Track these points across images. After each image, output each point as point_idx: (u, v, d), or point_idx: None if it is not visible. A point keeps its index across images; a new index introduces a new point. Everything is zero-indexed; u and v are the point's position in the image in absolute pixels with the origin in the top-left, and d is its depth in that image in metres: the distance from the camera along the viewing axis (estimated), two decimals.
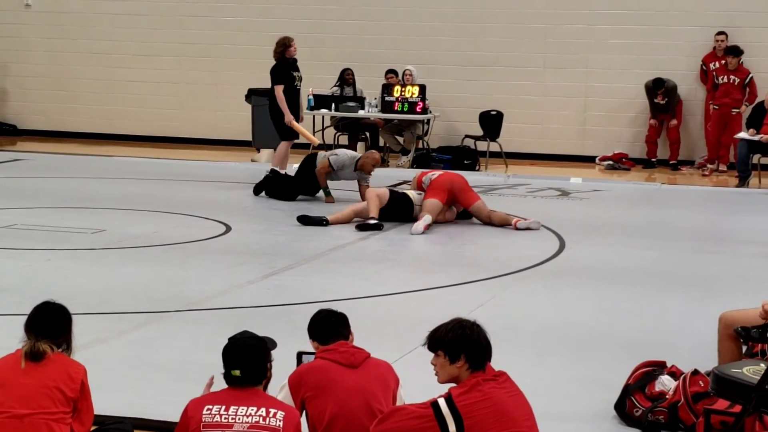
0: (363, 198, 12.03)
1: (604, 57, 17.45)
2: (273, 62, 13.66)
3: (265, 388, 4.34)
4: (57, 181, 14.85)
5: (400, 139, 17.32)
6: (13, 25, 19.74)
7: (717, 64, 16.67)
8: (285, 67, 13.55)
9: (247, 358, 4.33)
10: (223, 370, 4.37)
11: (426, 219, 11.29)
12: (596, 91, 17.61)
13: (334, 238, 10.78)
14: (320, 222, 11.32)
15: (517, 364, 4.83)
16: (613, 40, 17.41)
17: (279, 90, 13.48)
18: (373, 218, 11.23)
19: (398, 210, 11.61)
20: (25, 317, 4.64)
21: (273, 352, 4.48)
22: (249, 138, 17.19)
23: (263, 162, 16.37)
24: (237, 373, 4.27)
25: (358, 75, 17.38)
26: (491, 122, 17.31)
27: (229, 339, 4.43)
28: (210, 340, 6.93)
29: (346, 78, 17.22)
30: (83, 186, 14.14)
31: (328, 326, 4.79)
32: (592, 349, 7.13)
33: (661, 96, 16.84)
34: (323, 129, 17.60)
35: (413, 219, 11.48)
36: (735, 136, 15.74)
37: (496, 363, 4.34)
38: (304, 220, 11.42)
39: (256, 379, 4.31)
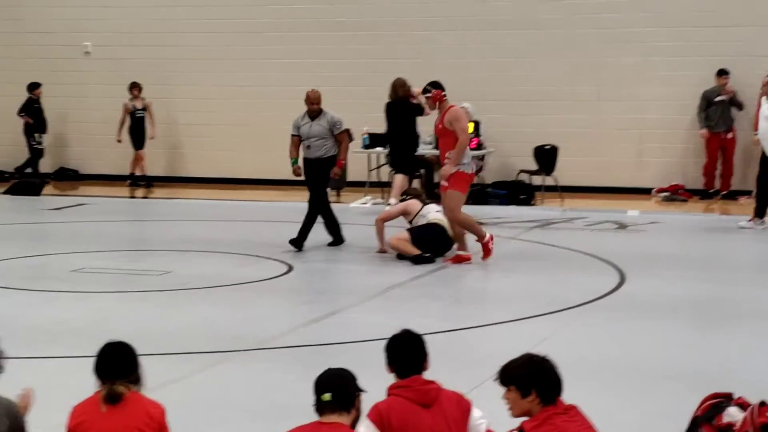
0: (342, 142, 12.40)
1: (659, 89, 17.47)
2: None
3: (354, 425, 4.42)
4: (120, 224, 15.13)
5: None
6: (73, 73, 20.15)
7: None
8: None
9: (337, 382, 4.41)
10: (312, 404, 4.42)
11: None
12: (651, 123, 17.62)
13: (393, 275, 10.89)
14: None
15: (582, 398, 4.90)
16: (667, 73, 17.42)
17: None
18: (420, 253, 11.31)
19: (433, 243, 11.56)
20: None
21: None
22: None
23: None
24: (327, 397, 4.34)
25: None
26: (546, 156, 17.37)
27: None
28: (280, 378, 7.10)
29: None
30: (146, 229, 14.40)
31: (410, 356, 4.84)
32: (656, 381, 7.16)
33: (726, 93, 16.51)
34: (378, 167, 17.79)
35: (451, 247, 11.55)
36: None
37: (563, 397, 4.43)
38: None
39: (345, 404, 4.35)
